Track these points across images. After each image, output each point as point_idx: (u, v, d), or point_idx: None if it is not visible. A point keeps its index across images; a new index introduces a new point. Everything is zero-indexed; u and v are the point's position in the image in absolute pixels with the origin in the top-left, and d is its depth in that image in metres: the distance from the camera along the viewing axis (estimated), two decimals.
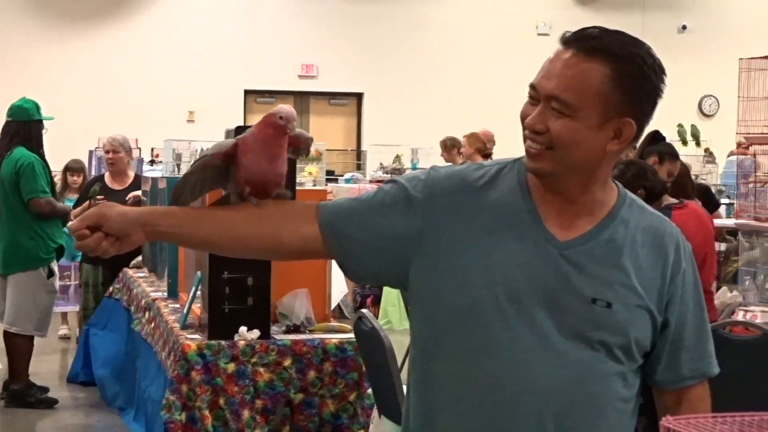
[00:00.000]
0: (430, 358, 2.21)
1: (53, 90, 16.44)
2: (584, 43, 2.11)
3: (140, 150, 15.42)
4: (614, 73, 2.08)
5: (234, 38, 18.26)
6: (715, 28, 19.90)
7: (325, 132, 18.59)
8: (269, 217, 2.25)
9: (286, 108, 2.32)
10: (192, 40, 18.09)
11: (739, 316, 5.55)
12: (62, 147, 15.44)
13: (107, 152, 8.26)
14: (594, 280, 2.15)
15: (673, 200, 5.55)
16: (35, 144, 7.48)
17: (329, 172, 16.45)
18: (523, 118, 2.13)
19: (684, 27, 19.78)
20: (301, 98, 18.98)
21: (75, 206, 7.96)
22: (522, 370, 2.12)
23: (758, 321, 5.19)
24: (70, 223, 2.19)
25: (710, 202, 8.49)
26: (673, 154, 6.45)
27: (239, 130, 4.85)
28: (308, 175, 13.11)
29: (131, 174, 8.35)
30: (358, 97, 19.21)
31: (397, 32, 18.79)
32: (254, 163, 2.27)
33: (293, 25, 18.55)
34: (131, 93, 17.68)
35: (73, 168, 10.33)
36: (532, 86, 2.14)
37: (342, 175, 15.67)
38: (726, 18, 20.01)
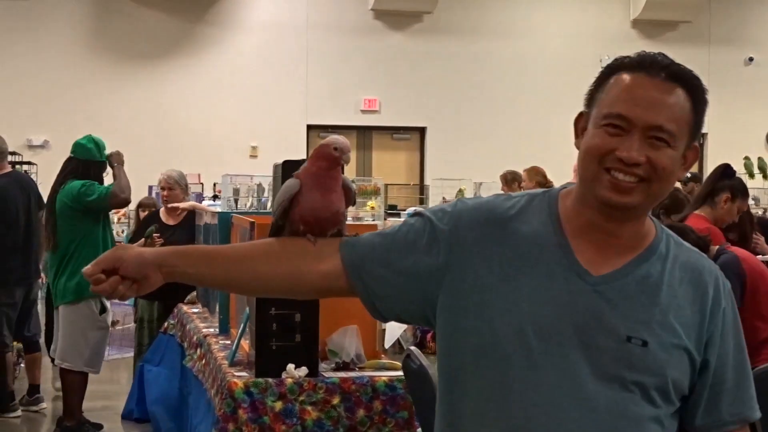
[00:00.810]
0: (454, 398, 2.11)
1: (117, 127, 16.59)
2: (667, 69, 2.04)
3: (203, 185, 15.49)
4: (693, 98, 2.04)
5: (297, 73, 18.32)
6: None
7: (388, 166, 18.61)
8: (291, 255, 2.17)
9: (341, 139, 2.25)
10: (255, 76, 18.20)
11: None
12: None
13: (162, 189, 8.25)
14: (629, 318, 2.03)
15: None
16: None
17: (391, 207, 16.44)
18: (600, 150, 2.01)
19: (751, 59, 19.45)
20: (364, 133, 18.97)
21: (130, 242, 7.94)
22: (548, 412, 2.00)
23: None
24: (85, 268, 2.10)
25: None
26: (745, 191, 6.26)
27: (287, 164, 4.79)
28: (369, 210, 13.03)
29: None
30: (421, 131, 19.15)
31: (460, 66, 18.73)
32: (308, 199, 2.20)
33: (355, 60, 18.58)
34: (195, 129, 17.79)
35: (145, 204, 10.43)
36: (619, 116, 2.02)
37: (404, 209, 15.58)
38: None
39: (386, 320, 2.24)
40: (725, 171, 6.20)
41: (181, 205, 7.98)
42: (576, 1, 19.11)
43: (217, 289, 4.01)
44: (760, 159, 16.24)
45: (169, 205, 8.02)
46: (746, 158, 15.68)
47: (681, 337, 2.05)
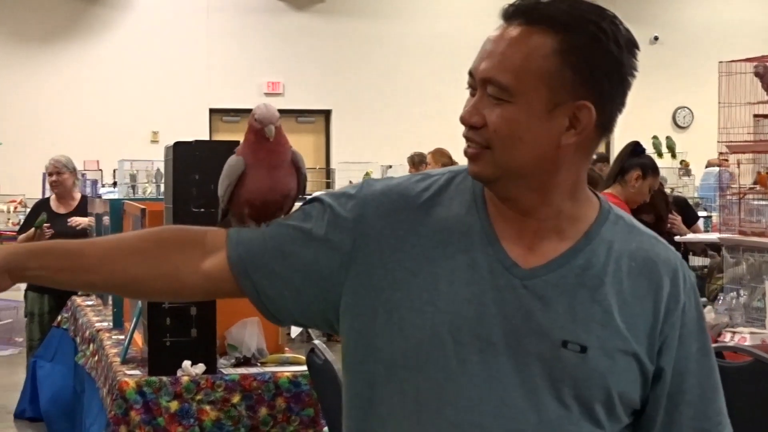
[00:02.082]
0: (365, 417, 1.80)
1: (9, 114, 16.10)
2: (527, 14, 1.71)
3: (102, 172, 15.05)
4: (561, 46, 1.69)
5: (197, 56, 17.93)
6: (686, 39, 19.68)
7: None
8: (169, 251, 1.84)
9: (263, 107, 1.94)
10: (154, 59, 17.74)
11: (727, 338, 5.16)
12: (19, 171, 15.13)
13: (50, 174, 7.83)
14: (565, 318, 1.72)
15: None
16: None
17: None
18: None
19: (656, 38, 19.45)
20: None
21: (19, 232, 7.55)
22: None
23: (747, 344, 4.80)
24: None
25: (689, 215, 8.14)
26: (656, 169, 6.15)
27: (179, 146, 4.46)
28: None
29: (77, 196, 7.93)
30: (326, 114, 18.88)
31: (365, 47, 18.48)
32: (253, 179, 1.92)
33: (257, 42, 18.23)
34: (93, 115, 17.30)
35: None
36: (470, 73, 1.76)
37: (310, 194, 15.28)
38: (697, 28, 19.78)
39: (282, 324, 1.94)
40: (635, 149, 6.10)
41: (82, 221, 7.53)
42: None
43: (85, 291, 3.49)
44: (668, 138, 16.21)
45: (74, 224, 7.57)
46: (654, 137, 15.62)
47: (628, 340, 1.74)
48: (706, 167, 14.48)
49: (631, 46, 1.73)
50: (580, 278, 1.75)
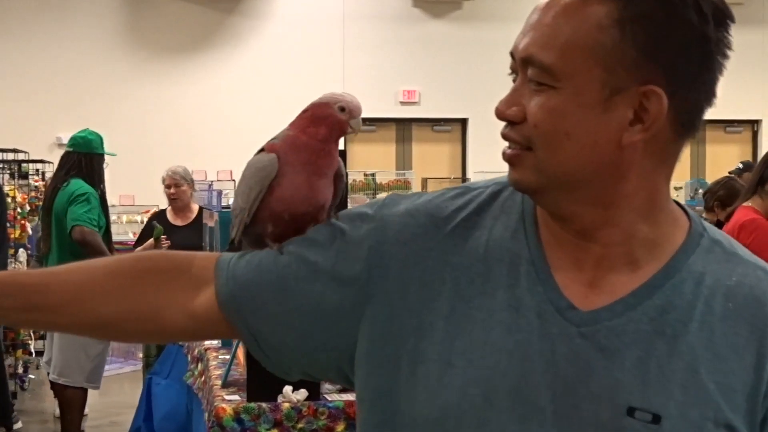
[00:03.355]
0: None
1: (148, 124, 16.22)
2: None
3: (235, 182, 14.97)
4: (622, 14, 1.31)
5: (334, 65, 17.82)
6: None
7: (429, 159, 18.10)
8: (145, 286, 1.49)
9: (348, 96, 1.58)
10: (290, 68, 17.70)
11: None
12: (156, 182, 15.15)
13: (168, 187, 7.61)
14: (634, 377, 1.34)
15: None
16: (96, 179, 6.87)
17: None
18: None
19: None
20: (403, 125, 18.39)
21: (136, 245, 7.36)
22: None
23: None
24: None
25: None
26: None
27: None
28: None
29: (195, 208, 7.70)
30: (463, 122, 18.54)
31: (502, 54, 17.75)
32: (289, 185, 1.54)
33: (394, 50, 18.02)
34: (228, 125, 17.35)
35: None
36: (511, 54, 1.42)
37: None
38: None
39: (289, 377, 1.57)
40: None
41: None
42: None
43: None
44: None
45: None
46: None
47: (720, 406, 1.33)
48: None
49: (722, 16, 1.33)
50: (657, 324, 1.35)
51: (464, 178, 18.30)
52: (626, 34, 1.30)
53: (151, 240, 7.22)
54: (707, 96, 1.35)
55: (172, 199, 7.54)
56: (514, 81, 1.40)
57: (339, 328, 1.44)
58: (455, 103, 18.20)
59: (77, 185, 6.68)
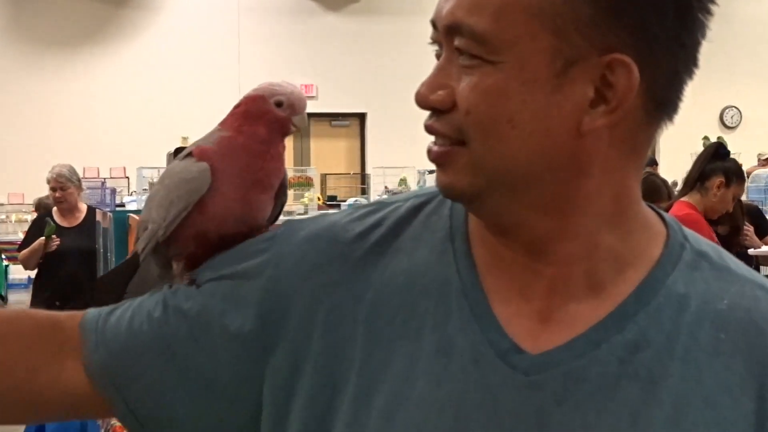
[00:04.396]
0: None
1: (36, 120, 15.77)
2: None
3: (128, 179, 14.64)
4: None
5: (229, 59, 17.60)
6: (736, 35, 19.02)
7: (327, 155, 17.91)
8: (6, 355, 1.15)
9: (287, 86, 1.27)
10: (184, 62, 17.50)
11: None
12: (34, 180, 14.67)
13: (53, 189, 7.13)
14: None
15: None
16: None
17: (331, 198, 15.69)
18: None
19: None
20: None
21: (21, 247, 6.98)
22: None
23: None
24: None
25: (762, 224, 7.22)
26: (741, 175, 5.31)
27: (179, 152, 3.83)
28: (303, 203, 12.13)
29: (83, 207, 7.26)
30: (361, 117, 18.37)
31: (401, 47, 18.01)
32: (220, 202, 1.22)
33: (289, 43, 17.83)
34: (121, 120, 17.05)
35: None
36: (433, 24, 1.08)
37: (345, 201, 14.75)
38: (745, 26, 19.11)
39: None
40: (717, 151, 5.27)
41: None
42: None
43: None
44: (720, 138, 15.51)
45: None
46: (705, 138, 14.96)
47: None
48: (748, 171, 13.76)
49: None
50: (628, 365, 1.04)
51: (363, 174, 18.14)
52: None
53: (42, 239, 6.82)
54: (686, 65, 1.04)
55: (58, 202, 7.11)
56: (438, 57, 1.08)
57: (238, 393, 1.12)
58: (353, 98, 18.05)
59: None
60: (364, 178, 18.05)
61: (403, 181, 15.48)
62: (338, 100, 18.01)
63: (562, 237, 1.06)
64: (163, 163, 12.46)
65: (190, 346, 1.12)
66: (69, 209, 7.11)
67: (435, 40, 1.08)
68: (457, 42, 1.03)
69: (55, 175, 7.12)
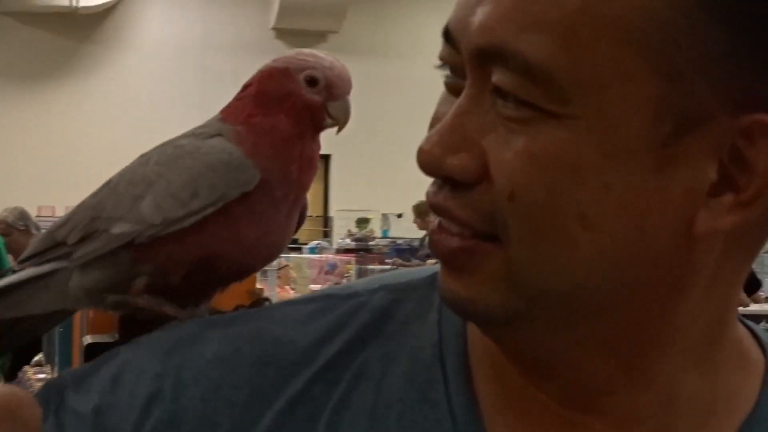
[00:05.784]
0: None
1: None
2: None
3: None
4: None
5: (192, 96, 17.39)
6: None
7: None
8: None
9: (326, 58, 0.96)
10: (148, 99, 17.29)
11: None
12: None
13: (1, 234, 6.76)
14: None
15: None
16: None
17: (293, 241, 15.40)
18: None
19: None
20: None
21: None
22: None
23: None
24: None
25: (748, 280, 6.89)
26: None
27: None
28: None
29: None
30: (325, 159, 18.16)
31: (367, 89, 17.79)
32: (258, 220, 0.90)
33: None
34: (83, 157, 16.78)
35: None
36: (445, 36, 0.72)
37: (306, 244, 14.48)
38: None
39: None
40: None
41: None
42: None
43: None
44: None
45: None
46: None
47: None
48: None
49: None
50: None
51: (326, 217, 17.92)
52: (706, 8, 0.63)
53: None
54: None
55: (6, 245, 6.77)
56: (451, 91, 0.73)
57: None
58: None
59: None
60: (326, 221, 17.78)
61: (363, 222, 15.16)
62: None
63: (630, 385, 0.72)
64: None
65: None
66: (17, 251, 6.79)
67: (447, 62, 0.72)
68: (497, 77, 0.66)
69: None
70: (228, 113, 0.88)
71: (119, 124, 16.94)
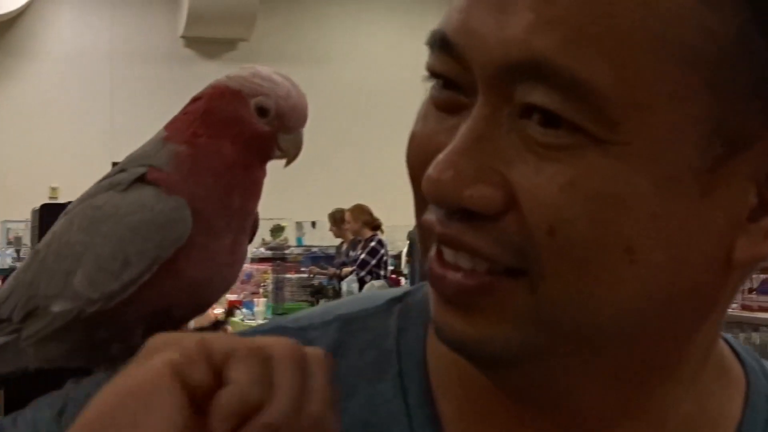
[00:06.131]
0: None
1: None
2: None
3: None
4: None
5: (100, 106, 17.32)
6: None
7: None
8: None
9: (276, 78, 0.93)
10: (54, 110, 17.10)
11: None
12: None
13: None
14: None
15: None
16: None
17: None
18: (411, 158, 0.68)
19: None
20: None
21: None
22: None
23: None
24: None
25: None
26: None
27: (45, 209, 3.44)
28: None
29: None
30: None
31: None
32: (201, 255, 0.86)
33: (164, 91, 17.48)
34: None
35: None
36: (441, 43, 0.63)
37: None
38: None
39: None
40: None
41: None
42: (396, 23, 18.27)
43: None
44: None
45: None
46: None
47: None
48: None
49: None
50: None
51: None
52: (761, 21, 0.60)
53: None
54: None
55: None
56: (441, 106, 0.65)
57: None
58: None
59: None
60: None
61: (278, 231, 15.01)
62: None
63: (627, 414, 0.68)
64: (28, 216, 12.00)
65: None
66: None
67: (440, 74, 0.65)
68: (529, 96, 0.59)
69: None
70: (173, 129, 0.83)
71: (25, 134, 16.76)
